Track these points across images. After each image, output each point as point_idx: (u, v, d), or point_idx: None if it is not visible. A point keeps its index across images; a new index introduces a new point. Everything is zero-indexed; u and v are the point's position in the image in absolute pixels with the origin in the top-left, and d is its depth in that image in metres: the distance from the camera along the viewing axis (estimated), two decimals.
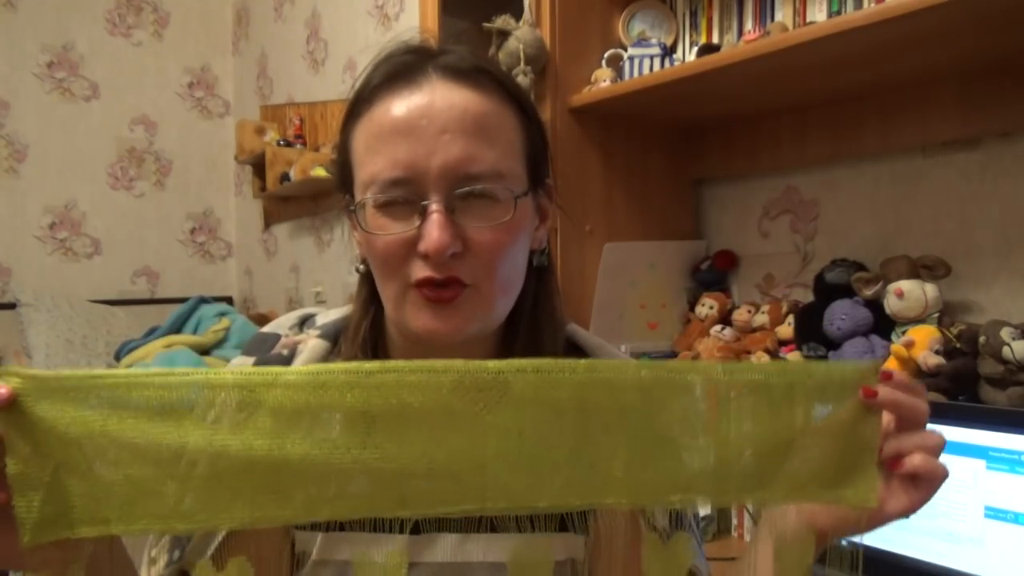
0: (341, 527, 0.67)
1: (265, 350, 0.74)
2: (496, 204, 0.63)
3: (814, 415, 0.55)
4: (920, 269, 1.30)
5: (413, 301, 0.63)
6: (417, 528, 0.67)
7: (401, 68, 0.65)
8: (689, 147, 1.73)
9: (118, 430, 0.49)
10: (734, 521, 1.43)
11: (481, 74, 0.65)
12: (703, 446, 0.54)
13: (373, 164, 0.63)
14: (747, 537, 1.39)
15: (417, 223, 0.62)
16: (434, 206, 0.61)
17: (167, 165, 3.61)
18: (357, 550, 0.66)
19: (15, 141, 3.26)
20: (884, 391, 0.55)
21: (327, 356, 0.72)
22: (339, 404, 0.50)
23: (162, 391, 0.49)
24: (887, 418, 0.57)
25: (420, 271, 0.62)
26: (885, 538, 1.10)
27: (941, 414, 1.09)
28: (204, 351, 2.51)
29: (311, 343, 0.73)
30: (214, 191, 3.73)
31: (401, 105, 0.63)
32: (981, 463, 1.04)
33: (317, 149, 2.94)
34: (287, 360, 0.72)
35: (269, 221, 3.39)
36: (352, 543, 0.67)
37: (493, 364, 0.51)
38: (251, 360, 0.74)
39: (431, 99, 0.62)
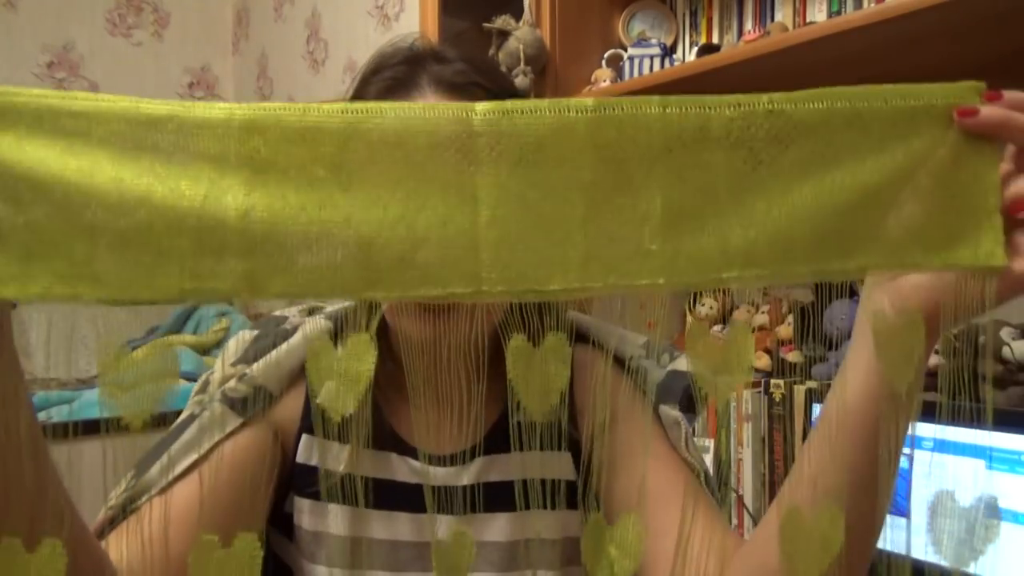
0: (368, 502, 0.70)
1: (273, 326, 0.77)
2: None
3: (905, 154, 0.42)
4: None
5: (408, 310, 0.65)
6: (422, 508, 0.70)
7: (394, 84, 0.66)
8: None
9: (15, 159, 0.38)
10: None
11: (476, 88, 0.66)
12: (757, 204, 0.41)
13: None
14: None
15: None
16: None
17: None
18: (380, 524, 0.70)
19: None
20: (990, 111, 0.42)
21: (329, 335, 0.75)
22: (291, 151, 0.39)
23: (80, 121, 0.38)
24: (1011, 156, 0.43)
25: None
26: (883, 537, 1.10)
27: (941, 414, 1.09)
28: (204, 351, 2.51)
29: (314, 320, 0.76)
30: None
31: None
32: (981, 463, 1.04)
33: None
34: (290, 333, 0.74)
35: None
36: (375, 520, 0.70)
37: (481, 107, 0.40)
38: (255, 333, 0.76)
39: None
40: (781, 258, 0.42)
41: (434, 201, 0.40)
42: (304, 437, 0.71)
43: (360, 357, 0.43)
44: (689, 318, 0.40)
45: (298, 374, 0.73)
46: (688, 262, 0.41)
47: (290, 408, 0.72)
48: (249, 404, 0.69)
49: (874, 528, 0.50)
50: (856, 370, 0.51)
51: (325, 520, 0.70)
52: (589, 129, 0.41)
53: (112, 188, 0.38)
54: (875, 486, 0.48)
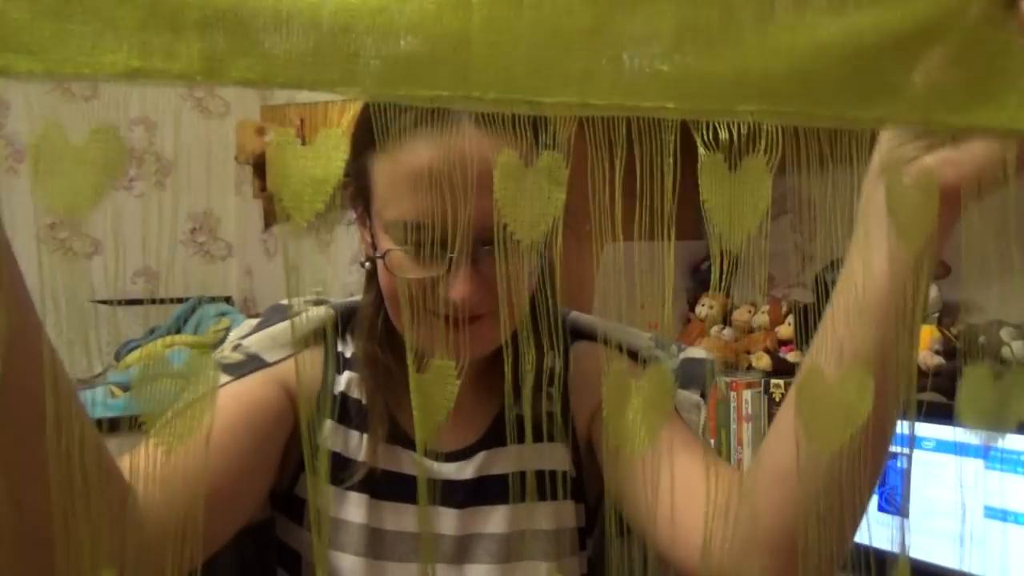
0: (381, 493, 0.71)
1: (277, 313, 0.77)
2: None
3: (938, 3, 0.39)
4: None
5: (427, 324, 0.64)
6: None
7: (425, 113, 0.64)
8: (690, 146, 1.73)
9: None
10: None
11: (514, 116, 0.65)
12: (781, 37, 0.38)
13: (398, 207, 0.63)
14: None
15: (441, 270, 0.62)
16: (462, 259, 0.61)
17: (167, 165, 3.61)
18: (393, 515, 0.71)
19: (15, 141, 3.26)
20: None
21: (330, 323, 0.75)
22: None
23: None
24: None
25: (440, 306, 0.63)
26: (883, 537, 1.10)
27: (941, 414, 1.09)
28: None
29: (318, 308, 0.76)
30: (214, 191, 3.73)
31: (430, 151, 0.61)
32: (981, 463, 1.04)
33: None
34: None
35: (269, 221, 3.39)
36: (385, 511, 0.71)
37: None
38: (258, 320, 0.77)
39: (462, 149, 0.61)
40: (800, 97, 0.39)
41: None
42: (329, 423, 0.72)
43: (329, 153, 0.38)
44: (702, 151, 0.36)
45: (312, 343, 0.72)
46: (701, 86, 0.38)
47: (306, 384, 0.72)
48: (242, 369, 0.69)
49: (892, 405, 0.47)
50: (870, 232, 0.52)
51: (343, 507, 0.71)
52: None
53: None
54: (893, 354, 0.48)
